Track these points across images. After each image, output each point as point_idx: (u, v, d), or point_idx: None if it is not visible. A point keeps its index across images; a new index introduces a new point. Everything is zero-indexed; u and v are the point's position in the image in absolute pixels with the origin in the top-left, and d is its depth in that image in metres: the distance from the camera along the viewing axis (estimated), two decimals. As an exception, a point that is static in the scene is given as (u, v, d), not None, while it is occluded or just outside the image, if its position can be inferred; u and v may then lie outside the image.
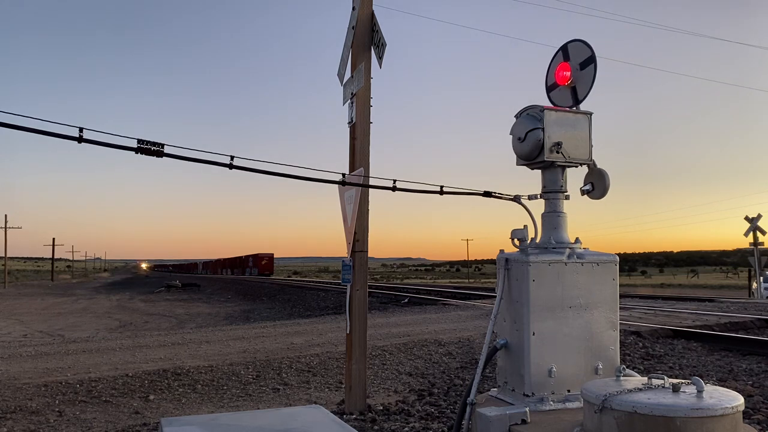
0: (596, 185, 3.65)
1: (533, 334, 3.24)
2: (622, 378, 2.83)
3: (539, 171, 3.66)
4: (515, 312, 3.36)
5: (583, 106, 3.66)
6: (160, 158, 3.52)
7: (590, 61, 3.62)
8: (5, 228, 65.69)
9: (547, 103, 3.65)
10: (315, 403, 5.89)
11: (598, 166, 3.65)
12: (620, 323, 3.60)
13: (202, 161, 3.68)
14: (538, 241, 3.59)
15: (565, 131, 3.47)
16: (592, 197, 3.68)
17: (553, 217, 3.57)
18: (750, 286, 37.84)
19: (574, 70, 3.71)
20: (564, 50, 3.80)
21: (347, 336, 5.44)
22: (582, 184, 3.71)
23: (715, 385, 3.02)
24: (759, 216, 33.74)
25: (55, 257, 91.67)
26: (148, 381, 6.80)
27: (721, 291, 47.47)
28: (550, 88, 3.89)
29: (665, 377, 2.60)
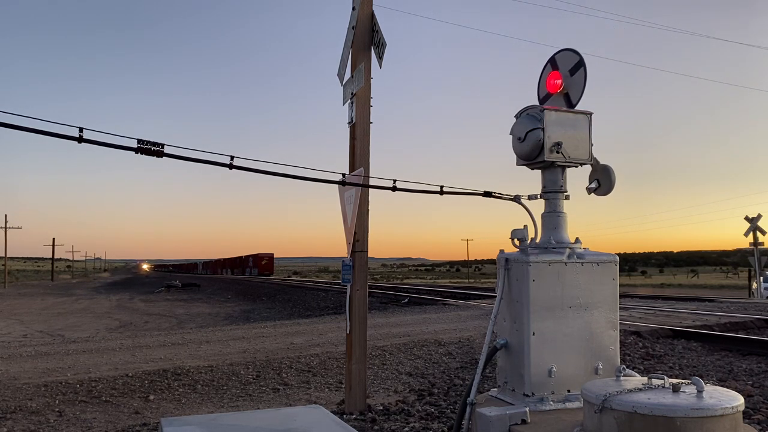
0: (602, 182, 3.65)
1: (533, 334, 3.24)
2: (622, 378, 2.83)
3: (539, 171, 3.66)
4: (515, 312, 3.36)
5: (579, 107, 3.67)
6: (160, 158, 3.52)
7: (579, 65, 3.67)
8: (5, 228, 65.72)
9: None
10: (315, 403, 5.89)
11: (602, 163, 3.65)
12: (620, 323, 3.60)
13: (202, 161, 3.68)
14: (538, 241, 3.59)
15: (565, 131, 3.48)
16: (598, 194, 3.68)
17: (553, 217, 3.57)
18: (750, 286, 37.84)
19: (564, 77, 3.76)
20: (552, 61, 3.87)
21: (347, 336, 5.44)
22: (587, 183, 3.70)
23: (715, 385, 3.02)
24: (759, 216, 33.76)
25: (55, 257, 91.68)
26: (148, 381, 6.80)
27: (721, 291, 47.46)
28: (543, 100, 3.93)
29: (665, 377, 2.60)
